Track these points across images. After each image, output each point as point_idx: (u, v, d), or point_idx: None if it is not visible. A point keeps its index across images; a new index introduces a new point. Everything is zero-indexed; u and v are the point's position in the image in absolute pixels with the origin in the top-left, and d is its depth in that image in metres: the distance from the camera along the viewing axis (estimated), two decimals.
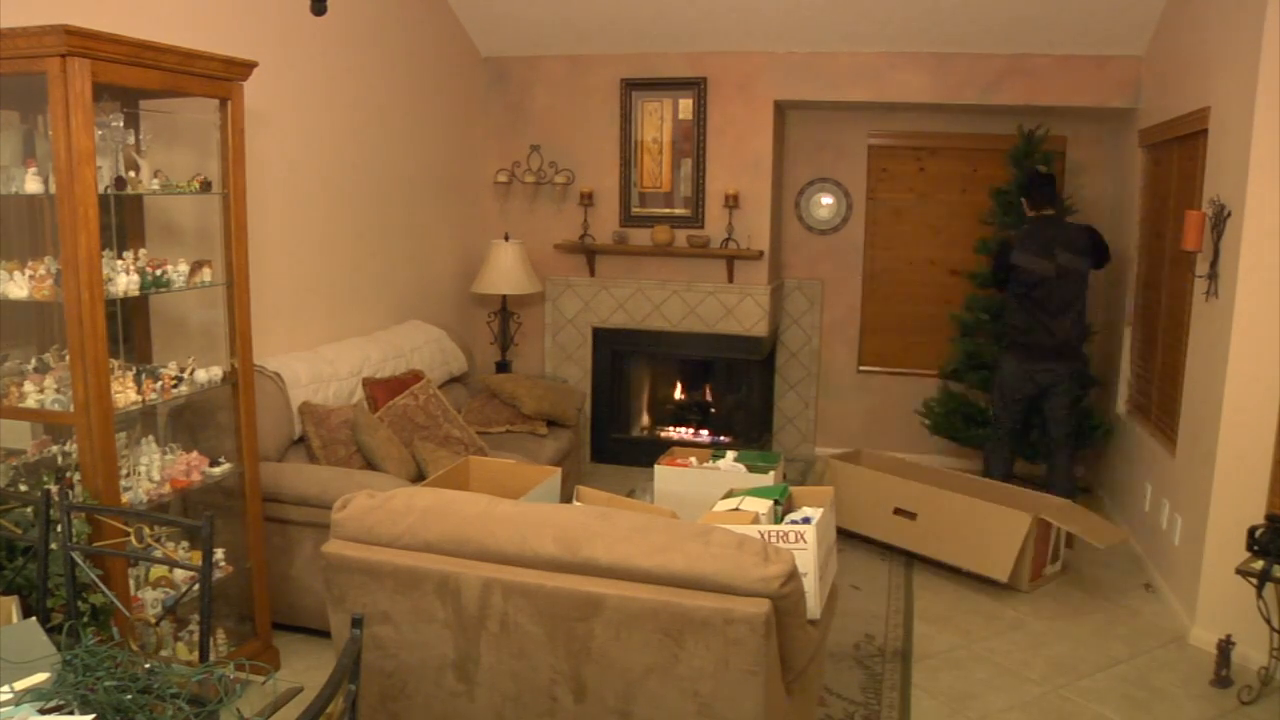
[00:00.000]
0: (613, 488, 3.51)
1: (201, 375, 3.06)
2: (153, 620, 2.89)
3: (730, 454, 3.85)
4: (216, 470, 3.15)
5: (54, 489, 2.50)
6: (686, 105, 5.63)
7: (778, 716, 2.20)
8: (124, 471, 2.87)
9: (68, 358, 2.67)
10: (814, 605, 2.52)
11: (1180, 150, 4.36)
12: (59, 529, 2.29)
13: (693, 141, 5.63)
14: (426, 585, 2.25)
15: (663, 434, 6.16)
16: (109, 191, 2.73)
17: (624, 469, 5.73)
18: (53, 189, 2.59)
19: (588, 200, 5.76)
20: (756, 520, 2.71)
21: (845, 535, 4.57)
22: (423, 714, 2.36)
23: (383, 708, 2.39)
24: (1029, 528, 4.07)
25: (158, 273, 2.89)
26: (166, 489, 2.98)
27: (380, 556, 2.30)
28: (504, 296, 5.73)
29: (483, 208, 6.05)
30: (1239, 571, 3.24)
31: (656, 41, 5.49)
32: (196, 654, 2.85)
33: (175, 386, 2.96)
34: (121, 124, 2.88)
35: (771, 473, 3.61)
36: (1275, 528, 3.19)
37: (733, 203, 5.52)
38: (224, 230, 3.13)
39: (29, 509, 2.60)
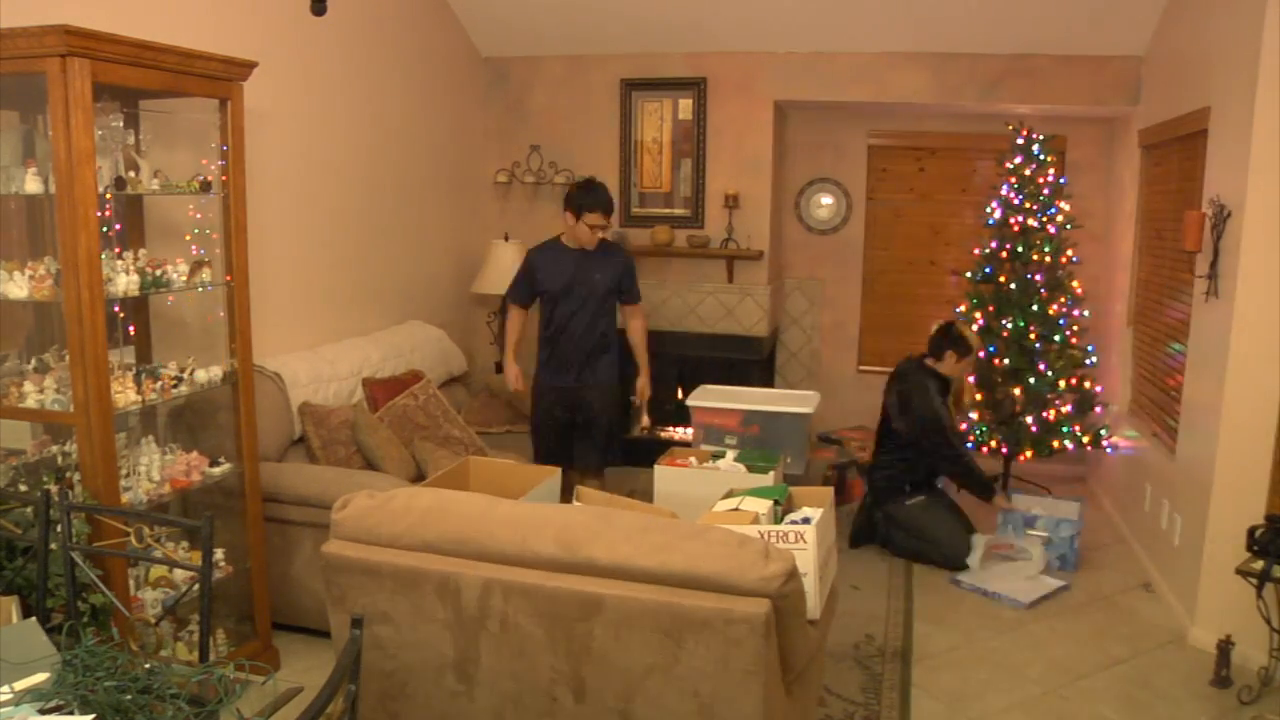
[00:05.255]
0: (613, 488, 3.51)
1: (201, 375, 3.06)
2: (153, 620, 2.89)
3: (730, 454, 3.85)
4: (216, 470, 3.15)
5: (54, 489, 2.49)
6: (686, 105, 5.63)
7: (778, 716, 2.20)
8: (124, 471, 2.87)
9: (68, 358, 2.67)
10: (814, 605, 2.52)
11: (1180, 150, 4.36)
12: (59, 529, 2.29)
13: (692, 141, 5.63)
14: (426, 585, 2.25)
15: (663, 434, 6.15)
16: (109, 191, 2.73)
17: (624, 469, 5.71)
18: (53, 189, 2.59)
19: None
20: (756, 520, 2.70)
21: None
22: (423, 714, 2.36)
23: (383, 708, 2.39)
24: None
25: (158, 273, 2.89)
26: (166, 489, 2.98)
27: (380, 556, 2.30)
28: (504, 296, 5.72)
29: (482, 208, 6.04)
30: (1239, 571, 3.24)
31: (656, 41, 5.49)
32: (196, 654, 2.84)
33: (175, 386, 2.96)
34: (121, 124, 2.88)
35: (771, 473, 3.61)
36: (1275, 528, 3.19)
37: (732, 203, 5.52)
38: (224, 230, 3.13)
39: (29, 509, 2.60)
